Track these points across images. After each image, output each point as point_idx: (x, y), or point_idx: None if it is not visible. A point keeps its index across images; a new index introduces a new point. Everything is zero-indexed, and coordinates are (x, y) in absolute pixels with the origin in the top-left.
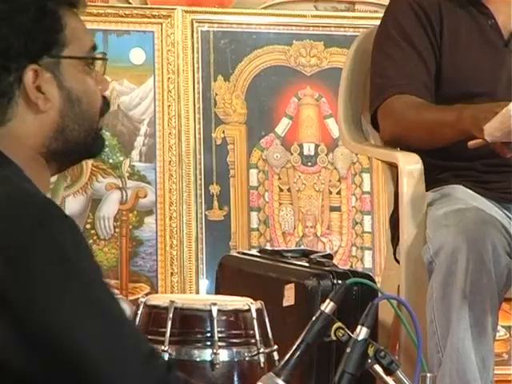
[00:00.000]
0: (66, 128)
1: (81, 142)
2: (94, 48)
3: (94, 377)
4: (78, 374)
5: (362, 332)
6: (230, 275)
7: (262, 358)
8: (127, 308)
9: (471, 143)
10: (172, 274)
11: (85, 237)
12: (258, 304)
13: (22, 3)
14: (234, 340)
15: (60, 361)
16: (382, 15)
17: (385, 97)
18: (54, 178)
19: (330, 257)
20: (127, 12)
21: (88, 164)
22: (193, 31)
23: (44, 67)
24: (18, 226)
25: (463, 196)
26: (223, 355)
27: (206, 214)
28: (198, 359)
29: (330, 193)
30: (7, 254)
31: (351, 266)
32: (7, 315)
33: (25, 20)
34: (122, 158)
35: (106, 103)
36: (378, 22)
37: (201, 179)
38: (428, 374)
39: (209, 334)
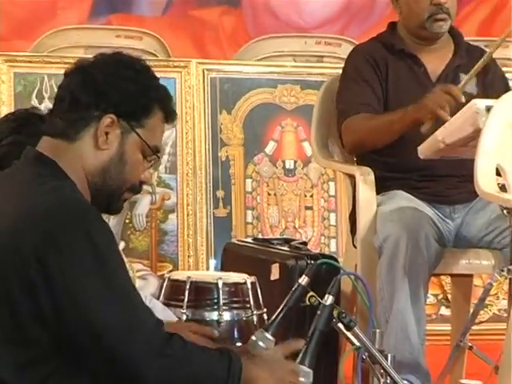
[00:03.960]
0: (108, 171)
1: (111, 191)
2: (158, 150)
3: (103, 333)
4: (95, 336)
5: (328, 299)
6: (232, 257)
7: (255, 318)
8: (156, 281)
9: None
10: (189, 256)
11: (113, 235)
12: (252, 278)
13: (141, 81)
14: (235, 305)
15: (76, 320)
16: (342, 66)
17: (346, 117)
18: None
19: (305, 244)
20: (156, 63)
21: None
22: (204, 77)
23: (119, 125)
24: (64, 223)
25: (404, 198)
26: (226, 316)
27: (213, 212)
28: (207, 319)
29: (305, 196)
30: (55, 244)
31: (321, 251)
32: (49, 287)
33: (131, 88)
34: (152, 171)
35: (139, 186)
36: (339, 71)
37: (210, 186)
38: (377, 330)
39: (216, 301)
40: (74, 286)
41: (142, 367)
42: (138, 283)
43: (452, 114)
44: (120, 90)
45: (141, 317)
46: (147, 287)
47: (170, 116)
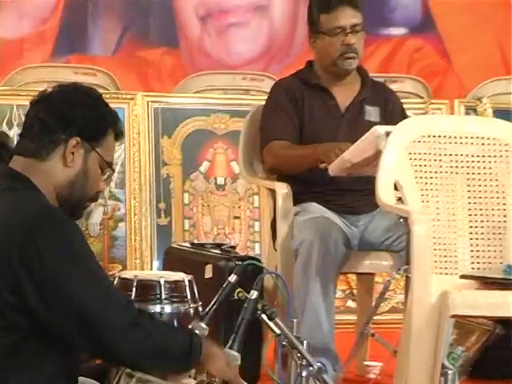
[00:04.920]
0: (75, 185)
1: (75, 201)
2: (111, 164)
3: (87, 312)
4: (78, 316)
5: (254, 294)
6: (172, 259)
7: (191, 310)
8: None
9: (322, 166)
10: (135, 258)
11: (84, 235)
12: (189, 277)
13: (96, 107)
14: (174, 299)
15: (64, 305)
16: (264, 98)
17: (267, 142)
18: None
19: (233, 247)
20: (107, 95)
21: None
22: (148, 108)
23: (82, 145)
24: (43, 227)
25: (316, 209)
26: (167, 308)
27: (156, 221)
28: (151, 311)
29: (234, 207)
30: (36, 245)
31: (247, 253)
32: (32, 280)
33: (92, 114)
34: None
35: (97, 195)
36: (262, 103)
37: (153, 199)
38: (295, 320)
39: (158, 296)
40: (55, 278)
41: (118, 337)
42: None
43: (356, 139)
44: (83, 116)
45: (114, 295)
46: None
47: (119, 136)
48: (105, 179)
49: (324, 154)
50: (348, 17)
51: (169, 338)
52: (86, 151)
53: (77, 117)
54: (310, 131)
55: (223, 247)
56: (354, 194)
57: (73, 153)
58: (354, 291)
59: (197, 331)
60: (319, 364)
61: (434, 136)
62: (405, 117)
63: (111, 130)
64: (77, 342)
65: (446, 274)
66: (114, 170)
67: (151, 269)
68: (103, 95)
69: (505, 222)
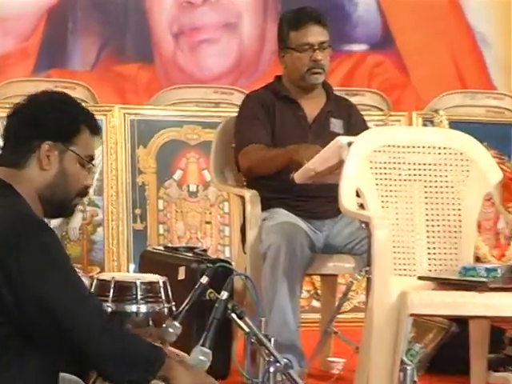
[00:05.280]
0: (55, 186)
1: (60, 200)
2: (92, 158)
3: (64, 314)
4: (53, 314)
5: (224, 294)
6: (147, 262)
7: (165, 310)
8: (86, 281)
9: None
10: (113, 260)
11: (61, 241)
12: (164, 278)
13: (66, 109)
14: (150, 299)
15: (41, 307)
16: (234, 110)
17: (242, 146)
18: None
19: (205, 251)
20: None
21: None
22: (125, 119)
23: (56, 147)
24: (22, 233)
25: (283, 215)
26: (143, 308)
27: (132, 226)
28: (128, 311)
29: (205, 213)
30: (16, 250)
31: (218, 256)
32: (9, 284)
33: (61, 117)
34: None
35: (85, 190)
36: (232, 115)
37: (130, 205)
38: (263, 319)
39: (134, 296)
40: (33, 281)
41: (90, 338)
42: None
43: (322, 148)
44: (52, 119)
45: (90, 299)
46: None
47: (95, 130)
48: (87, 174)
49: (294, 152)
50: (316, 34)
51: (134, 345)
52: (60, 152)
53: (47, 121)
54: (280, 138)
55: (195, 250)
56: (319, 200)
57: (48, 156)
58: (319, 291)
59: (170, 329)
60: (286, 360)
61: (394, 146)
62: (366, 128)
63: (84, 126)
64: (51, 341)
65: (405, 275)
66: (94, 165)
67: (128, 271)
68: None
69: (460, 226)
